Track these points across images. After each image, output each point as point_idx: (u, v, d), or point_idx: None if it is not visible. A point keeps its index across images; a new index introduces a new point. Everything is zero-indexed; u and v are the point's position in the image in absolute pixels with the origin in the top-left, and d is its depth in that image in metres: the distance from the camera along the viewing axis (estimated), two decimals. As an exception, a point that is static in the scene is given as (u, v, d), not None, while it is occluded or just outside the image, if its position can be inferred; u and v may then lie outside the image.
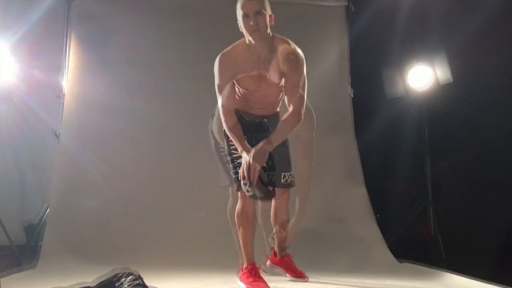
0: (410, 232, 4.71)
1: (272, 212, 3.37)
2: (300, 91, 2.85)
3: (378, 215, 4.78)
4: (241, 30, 2.87)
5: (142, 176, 4.54)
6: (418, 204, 4.76)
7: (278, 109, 3.17)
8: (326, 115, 4.39)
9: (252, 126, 3.00)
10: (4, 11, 4.38)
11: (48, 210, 4.29)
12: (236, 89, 2.99)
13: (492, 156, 4.34)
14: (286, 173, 3.23)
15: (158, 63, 4.77)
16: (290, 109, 2.87)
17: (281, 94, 3.02)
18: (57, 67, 4.55)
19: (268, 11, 2.84)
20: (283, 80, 2.91)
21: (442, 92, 4.72)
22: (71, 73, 4.53)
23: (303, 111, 2.87)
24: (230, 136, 2.93)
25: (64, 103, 4.48)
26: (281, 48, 2.84)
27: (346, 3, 5.23)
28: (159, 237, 4.27)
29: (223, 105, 2.90)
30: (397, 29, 4.85)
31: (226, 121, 2.90)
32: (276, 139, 2.84)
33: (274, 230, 3.42)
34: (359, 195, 4.82)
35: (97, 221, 4.29)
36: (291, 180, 3.27)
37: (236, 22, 2.88)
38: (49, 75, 4.53)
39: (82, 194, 4.37)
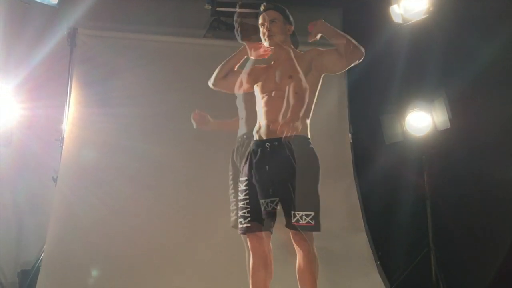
0: (411, 279, 4.64)
1: (297, 273, 2.78)
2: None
3: (379, 262, 4.72)
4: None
5: (142, 219, 4.43)
6: (419, 251, 4.70)
7: (296, 132, 2.72)
8: (326, 160, 4.36)
9: (256, 148, 2.75)
10: (7, 53, 4.42)
11: (43, 255, 4.17)
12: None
13: (492, 201, 4.32)
14: (298, 212, 2.66)
15: (159, 104, 4.74)
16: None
17: (296, 107, 2.82)
18: (58, 110, 4.53)
19: (285, 22, 2.89)
20: (298, 86, 2.80)
21: (441, 137, 4.76)
22: (71, 116, 4.51)
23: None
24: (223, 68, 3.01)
25: (63, 147, 4.44)
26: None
27: (344, 49, 5.30)
28: (159, 283, 4.15)
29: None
30: (396, 75, 4.92)
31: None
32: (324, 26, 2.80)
33: None
34: (360, 241, 4.76)
35: (94, 267, 4.17)
36: (307, 222, 2.67)
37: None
38: (49, 117, 4.52)
39: (78, 239, 4.26)
